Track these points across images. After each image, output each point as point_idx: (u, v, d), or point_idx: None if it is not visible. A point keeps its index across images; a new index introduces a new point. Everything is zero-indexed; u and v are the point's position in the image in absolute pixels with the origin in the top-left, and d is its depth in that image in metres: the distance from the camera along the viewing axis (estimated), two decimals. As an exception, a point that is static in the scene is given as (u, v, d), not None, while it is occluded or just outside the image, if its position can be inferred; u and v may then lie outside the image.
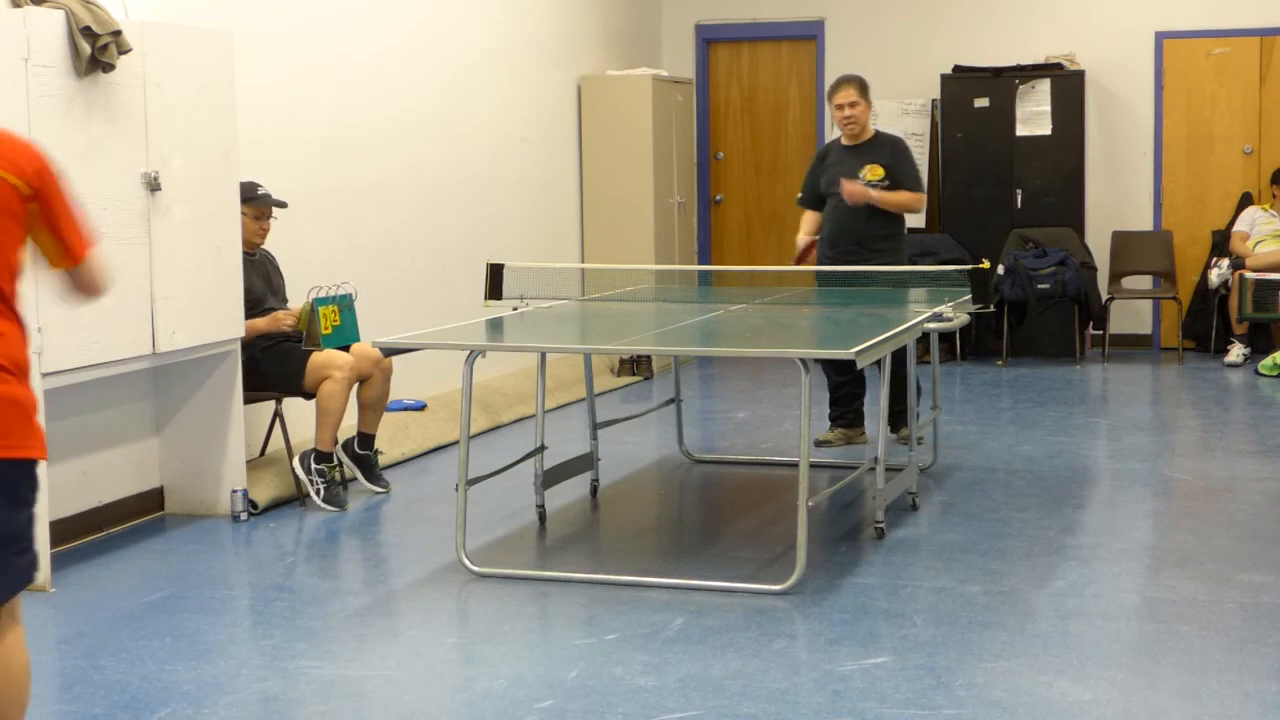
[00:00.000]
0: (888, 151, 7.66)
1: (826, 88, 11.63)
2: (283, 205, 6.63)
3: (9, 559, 3.26)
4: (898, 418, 7.40)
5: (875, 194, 7.53)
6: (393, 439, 7.45)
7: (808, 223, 7.89)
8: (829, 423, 7.85)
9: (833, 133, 11.26)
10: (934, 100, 11.21)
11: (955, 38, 11.42)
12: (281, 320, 6.52)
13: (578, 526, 6.42)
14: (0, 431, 3.21)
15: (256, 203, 6.49)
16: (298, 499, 6.58)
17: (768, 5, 11.89)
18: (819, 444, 7.69)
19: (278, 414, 6.68)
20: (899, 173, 7.63)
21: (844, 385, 7.71)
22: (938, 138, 11.21)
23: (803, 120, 12.06)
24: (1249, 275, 10.33)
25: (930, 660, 4.48)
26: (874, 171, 7.59)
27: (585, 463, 6.71)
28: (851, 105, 7.59)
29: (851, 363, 5.30)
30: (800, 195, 7.99)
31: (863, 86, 7.66)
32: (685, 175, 11.26)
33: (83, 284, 3.49)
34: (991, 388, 9.73)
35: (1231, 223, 10.86)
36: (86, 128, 5.47)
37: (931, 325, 6.21)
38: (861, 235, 7.59)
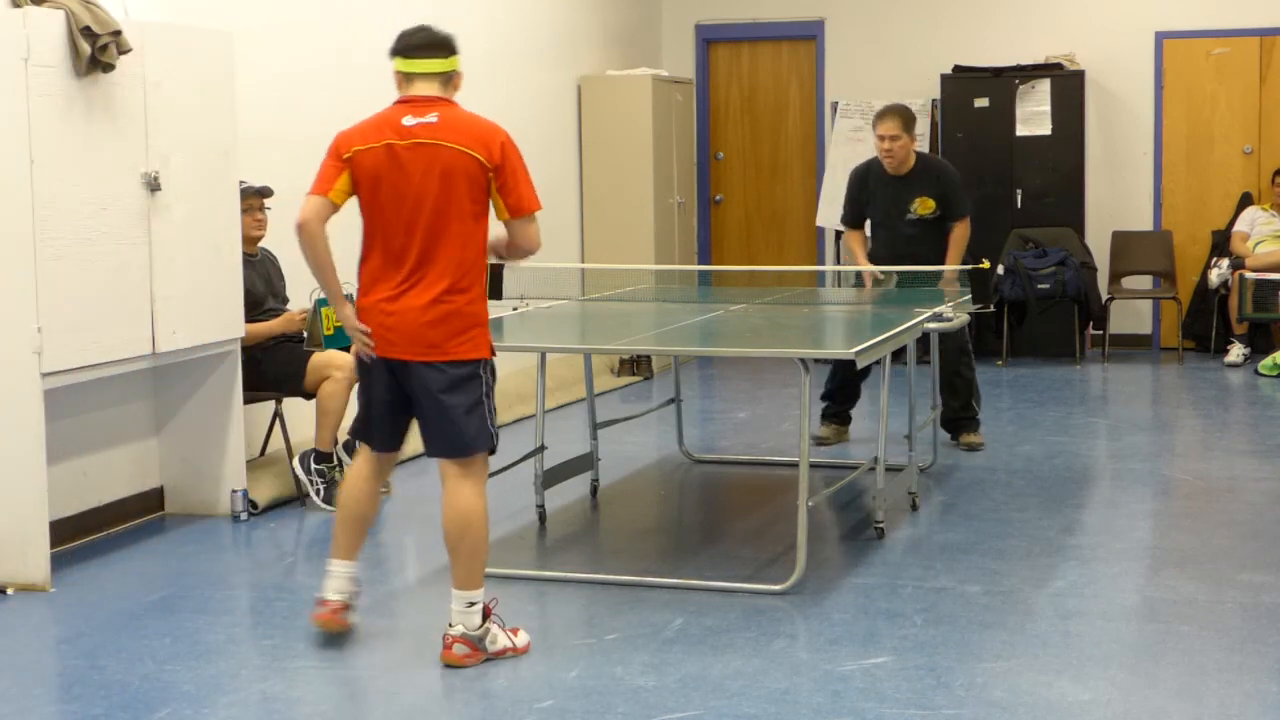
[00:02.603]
0: (935, 181, 7.50)
1: (826, 87, 11.83)
2: (266, 193, 6.62)
3: (456, 429, 4.50)
4: (960, 424, 7.55)
5: (953, 262, 7.41)
6: (393, 439, 7.44)
7: (858, 243, 7.71)
8: (821, 420, 7.83)
9: (833, 132, 11.37)
10: (934, 100, 11.20)
11: (955, 38, 11.42)
12: (295, 318, 6.53)
13: (578, 526, 6.42)
14: (438, 340, 4.45)
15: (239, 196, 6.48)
16: (298, 499, 6.58)
17: (768, 5, 11.89)
18: (816, 440, 7.69)
19: (278, 414, 6.68)
20: (950, 203, 7.50)
21: (850, 384, 7.70)
22: (938, 138, 11.20)
23: (803, 120, 12.05)
24: (1249, 275, 10.34)
25: (930, 660, 4.48)
26: (925, 205, 7.46)
27: (585, 463, 6.71)
28: (893, 139, 7.38)
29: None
30: (844, 215, 7.79)
31: (907, 121, 7.42)
32: (685, 175, 11.26)
33: (515, 239, 4.68)
34: (991, 388, 9.72)
35: (1231, 223, 10.86)
36: (86, 128, 5.47)
37: (931, 325, 6.21)
38: (919, 259, 7.44)
